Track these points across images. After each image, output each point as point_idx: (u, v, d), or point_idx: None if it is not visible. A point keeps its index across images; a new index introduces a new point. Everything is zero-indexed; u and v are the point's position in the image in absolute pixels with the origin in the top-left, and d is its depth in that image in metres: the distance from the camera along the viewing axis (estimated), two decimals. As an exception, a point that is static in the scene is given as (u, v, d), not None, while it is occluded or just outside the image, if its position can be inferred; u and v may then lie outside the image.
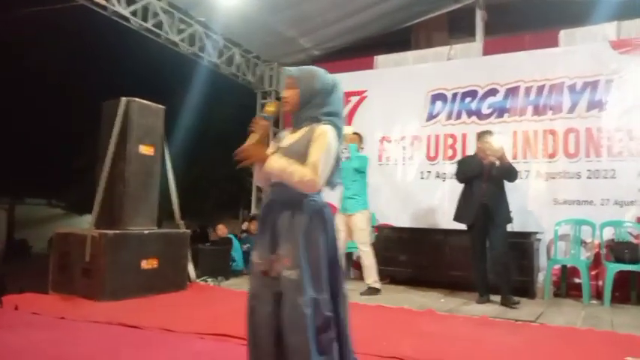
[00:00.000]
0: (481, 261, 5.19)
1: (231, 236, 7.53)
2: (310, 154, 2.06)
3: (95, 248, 4.89)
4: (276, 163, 2.06)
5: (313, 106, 2.14)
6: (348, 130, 5.40)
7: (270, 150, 2.19)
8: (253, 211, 9.39)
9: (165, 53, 8.14)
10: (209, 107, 15.31)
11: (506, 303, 4.94)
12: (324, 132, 2.08)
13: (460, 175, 5.43)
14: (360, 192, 5.65)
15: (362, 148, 6.03)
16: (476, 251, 5.23)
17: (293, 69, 2.21)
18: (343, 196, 5.62)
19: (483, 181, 5.09)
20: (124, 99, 5.35)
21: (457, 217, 5.38)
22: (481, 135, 5.36)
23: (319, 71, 2.21)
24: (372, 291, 5.51)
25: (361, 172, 5.65)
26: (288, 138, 2.20)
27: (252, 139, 2.13)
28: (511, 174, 5.17)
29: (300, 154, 2.08)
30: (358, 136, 5.86)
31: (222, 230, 7.79)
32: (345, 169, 5.28)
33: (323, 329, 2.00)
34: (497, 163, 5.08)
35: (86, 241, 4.92)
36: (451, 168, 6.80)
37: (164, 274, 5.36)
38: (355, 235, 5.59)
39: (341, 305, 2.10)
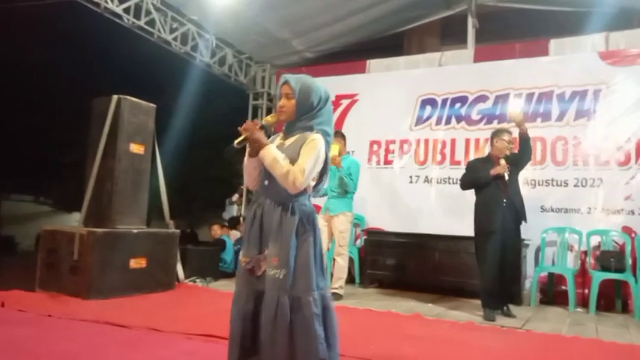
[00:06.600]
0: (499, 268, 4.65)
1: (225, 237, 7.49)
2: (300, 157, 2.12)
3: (83, 246, 4.86)
4: (273, 152, 2.10)
5: (307, 118, 2.20)
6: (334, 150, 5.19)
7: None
8: (243, 213, 9.34)
9: (157, 52, 8.11)
10: (201, 107, 15.24)
11: (509, 314, 4.79)
12: (315, 139, 2.14)
13: (467, 184, 5.01)
14: (346, 193, 5.53)
15: (347, 152, 5.83)
16: (495, 258, 4.65)
17: (291, 77, 2.21)
18: (327, 195, 5.52)
19: (503, 181, 4.69)
20: (115, 97, 5.33)
21: (481, 227, 4.78)
22: (497, 133, 4.94)
23: (315, 83, 2.24)
24: (337, 297, 5.23)
25: (349, 175, 5.50)
26: (279, 143, 2.24)
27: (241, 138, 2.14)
28: (528, 146, 4.78)
29: (291, 160, 2.12)
30: (342, 138, 5.66)
31: (215, 231, 7.75)
32: (333, 169, 5.09)
33: (306, 329, 2.04)
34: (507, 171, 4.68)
35: (74, 239, 4.90)
36: (439, 173, 6.86)
37: (152, 273, 5.35)
38: (335, 236, 5.48)
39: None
